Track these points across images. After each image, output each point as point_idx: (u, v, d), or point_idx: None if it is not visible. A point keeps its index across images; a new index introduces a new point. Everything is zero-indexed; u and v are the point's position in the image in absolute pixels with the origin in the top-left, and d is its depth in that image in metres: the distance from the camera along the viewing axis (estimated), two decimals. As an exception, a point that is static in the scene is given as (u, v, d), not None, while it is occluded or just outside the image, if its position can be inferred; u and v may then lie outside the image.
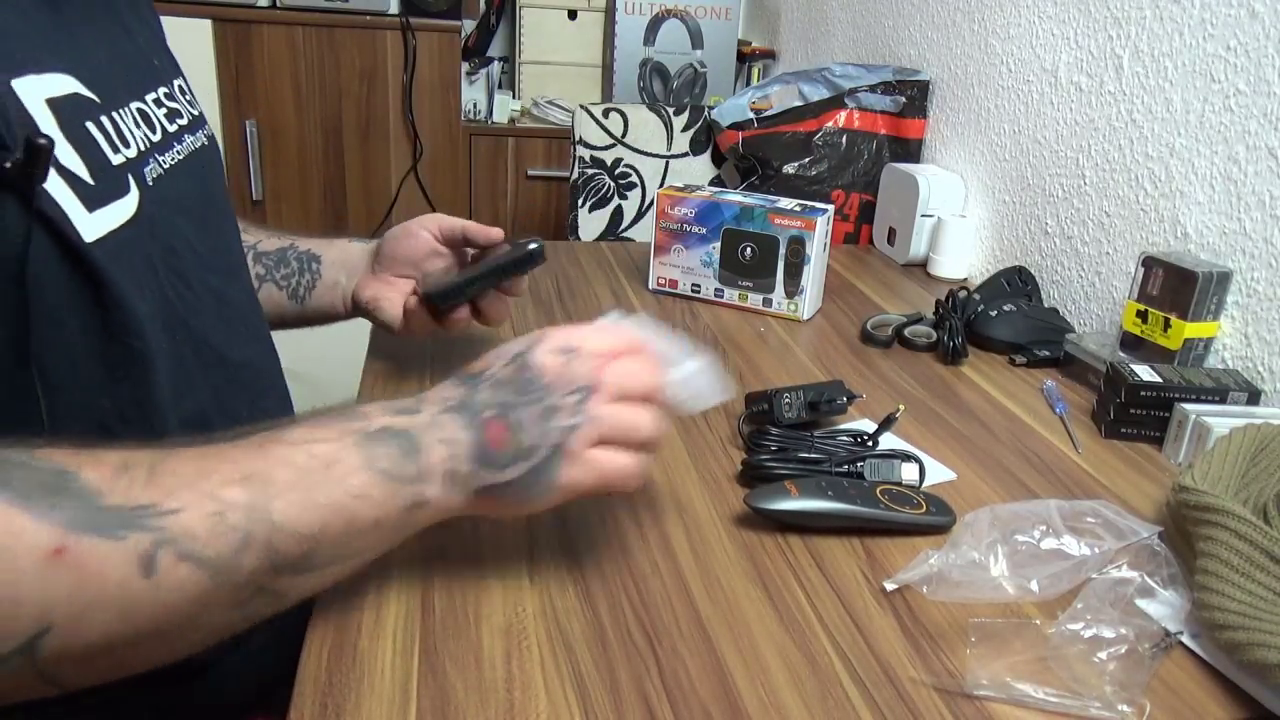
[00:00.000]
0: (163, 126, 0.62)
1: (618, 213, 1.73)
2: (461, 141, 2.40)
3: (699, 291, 1.09)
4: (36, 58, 0.50)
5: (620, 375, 0.52)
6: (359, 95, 2.31)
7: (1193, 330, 0.87)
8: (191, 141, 0.66)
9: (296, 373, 0.81)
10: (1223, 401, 0.79)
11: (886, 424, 0.74)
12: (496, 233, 0.79)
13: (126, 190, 0.54)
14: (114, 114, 0.56)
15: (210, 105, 2.24)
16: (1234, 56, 0.88)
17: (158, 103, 0.63)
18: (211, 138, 0.72)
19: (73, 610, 0.38)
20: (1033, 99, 1.18)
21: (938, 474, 0.73)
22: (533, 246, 0.73)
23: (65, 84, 0.52)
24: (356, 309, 0.83)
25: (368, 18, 2.25)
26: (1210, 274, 0.85)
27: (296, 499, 0.44)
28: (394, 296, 0.81)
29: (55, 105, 0.50)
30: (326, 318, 0.85)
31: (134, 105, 0.59)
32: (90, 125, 0.53)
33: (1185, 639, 0.55)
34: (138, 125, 0.59)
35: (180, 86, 0.69)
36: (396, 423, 0.49)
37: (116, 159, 0.54)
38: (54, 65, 0.51)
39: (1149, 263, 0.89)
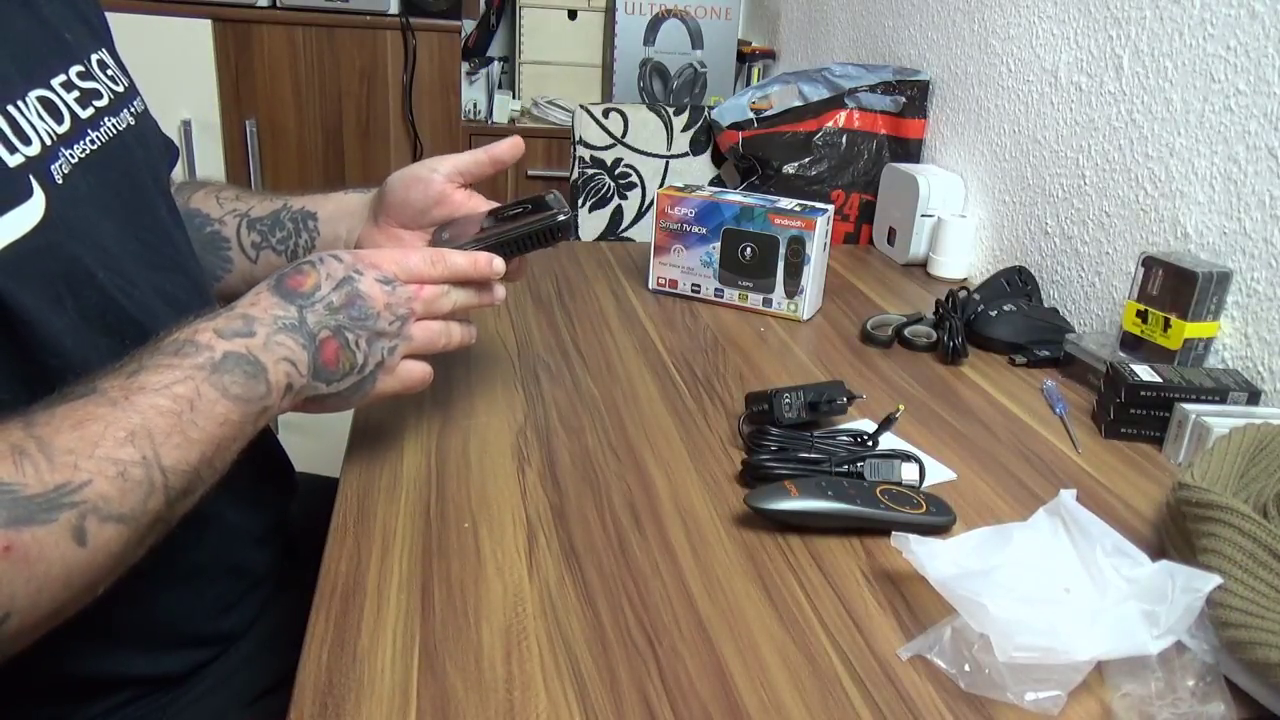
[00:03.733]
0: (73, 113, 0.57)
1: (618, 213, 1.73)
2: (461, 141, 2.40)
3: (699, 291, 1.09)
4: None
5: (429, 301, 0.63)
6: (359, 95, 2.31)
7: (1193, 330, 0.87)
8: (112, 125, 0.61)
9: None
10: (1223, 401, 0.79)
11: (886, 424, 0.74)
12: (518, 143, 0.74)
13: (28, 194, 0.50)
14: (9, 108, 0.51)
15: (210, 105, 2.24)
16: (1234, 56, 0.88)
17: (67, 85, 0.58)
18: (142, 114, 0.66)
19: (29, 593, 0.42)
20: (1033, 99, 1.18)
21: (938, 474, 0.73)
22: (562, 218, 0.68)
23: None
24: None
25: (368, 18, 2.25)
26: (1210, 274, 0.85)
27: (179, 441, 0.49)
28: None
29: None
30: None
31: (35, 94, 0.54)
32: None
33: (1185, 639, 0.55)
34: (41, 117, 0.54)
35: (100, 61, 0.63)
36: (236, 347, 0.53)
37: (14, 160, 0.50)
38: None
39: (1149, 263, 0.89)
